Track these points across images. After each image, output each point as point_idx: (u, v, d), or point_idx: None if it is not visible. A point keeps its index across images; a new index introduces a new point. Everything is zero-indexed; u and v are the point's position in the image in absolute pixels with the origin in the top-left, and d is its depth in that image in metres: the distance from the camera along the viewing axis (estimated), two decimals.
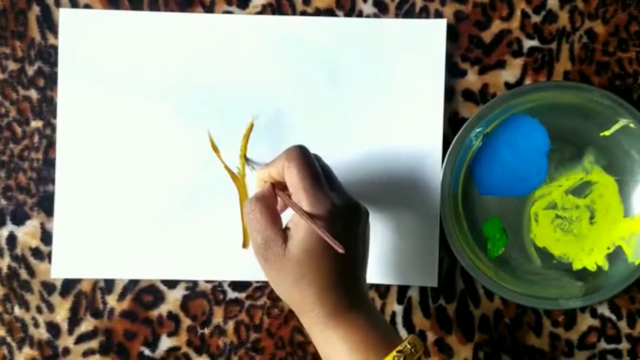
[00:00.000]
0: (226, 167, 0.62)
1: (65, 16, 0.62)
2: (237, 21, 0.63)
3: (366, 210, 0.55)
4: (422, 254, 0.63)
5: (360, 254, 0.54)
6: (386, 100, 0.63)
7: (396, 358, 0.50)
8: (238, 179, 0.62)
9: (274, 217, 0.53)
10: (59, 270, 0.62)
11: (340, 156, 0.62)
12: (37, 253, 0.63)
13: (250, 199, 0.54)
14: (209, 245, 0.62)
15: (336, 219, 0.52)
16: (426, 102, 0.63)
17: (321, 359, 0.53)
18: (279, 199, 0.55)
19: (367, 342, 0.51)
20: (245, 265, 0.62)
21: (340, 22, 0.63)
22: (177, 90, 0.63)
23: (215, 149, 0.62)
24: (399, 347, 0.51)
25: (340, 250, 0.50)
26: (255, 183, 0.58)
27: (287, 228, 0.52)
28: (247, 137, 0.62)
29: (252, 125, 0.62)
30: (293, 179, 0.52)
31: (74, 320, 0.63)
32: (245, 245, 0.62)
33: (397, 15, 0.63)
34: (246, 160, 0.62)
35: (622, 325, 0.64)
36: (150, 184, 0.63)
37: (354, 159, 0.63)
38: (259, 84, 0.63)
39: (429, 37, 0.63)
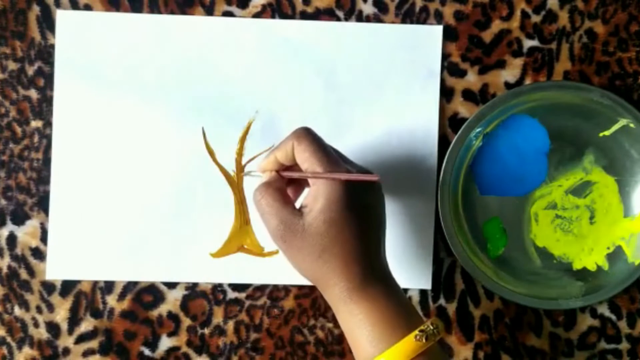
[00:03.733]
0: (222, 169, 0.62)
1: (62, 17, 0.62)
2: (235, 24, 0.63)
3: (379, 183, 0.55)
4: (417, 256, 0.63)
5: (380, 224, 0.54)
6: (383, 104, 0.63)
7: (418, 337, 0.50)
8: (234, 181, 0.61)
9: (286, 199, 0.53)
10: (54, 271, 0.62)
11: None
12: (37, 253, 0.63)
13: (258, 186, 0.53)
14: (206, 247, 0.62)
15: (353, 189, 0.51)
16: (422, 106, 0.63)
17: (344, 334, 0.53)
18: (289, 187, 0.55)
19: (390, 318, 0.51)
20: (243, 268, 0.62)
21: (338, 26, 0.63)
22: (174, 93, 0.63)
23: (210, 151, 0.62)
24: (422, 327, 0.50)
25: (376, 178, 0.50)
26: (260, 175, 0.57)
27: (302, 206, 0.52)
28: (243, 140, 0.62)
29: (248, 128, 0.62)
30: (305, 154, 0.52)
31: (74, 320, 0.63)
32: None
33: (397, 16, 0.63)
34: (242, 169, 0.61)
35: (622, 325, 0.64)
36: (146, 185, 0.63)
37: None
38: (256, 87, 0.63)
39: (426, 42, 0.63)
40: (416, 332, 0.50)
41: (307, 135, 0.52)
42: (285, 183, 0.55)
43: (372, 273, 0.52)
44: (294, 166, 0.54)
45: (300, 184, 0.58)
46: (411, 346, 0.50)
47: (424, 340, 0.50)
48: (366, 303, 0.51)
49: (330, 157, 0.52)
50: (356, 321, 0.51)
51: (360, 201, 0.52)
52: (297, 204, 0.54)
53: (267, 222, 0.52)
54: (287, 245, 0.52)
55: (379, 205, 0.54)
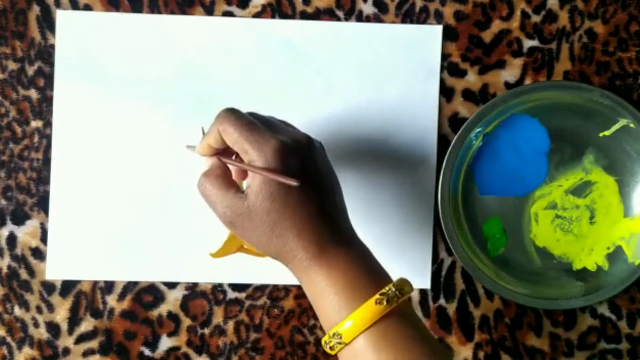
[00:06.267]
0: None
1: (62, 17, 0.62)
2: (235, 24, 0.63)
3: (320, 143, 0.54)
4: (416, 256, 0.63)
5: (327, 187, 0.52)
6: (382, 104, 0.63)
7: (378, 301, 0.48)
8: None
9: (227, 184, 0.51)
10: (54, 271, 0.62)
11: (336, 159, 0.62)
12: (37, 253, 0.63)
13: (200, 176, 0.52)
14: (206, 247, 0.62)
15: (288, 156, 0.50)
16: (421, 106, 0.63)
17: (311, 305, 0.52)
18: (231, 168, 0.53)
19: (353, 284, 0.49)
20: (243, 268, 0.62)
21: (338, 26, 0.63)
22: (174, 93, 0.63)
23: None
24: (383, 290, 0.49)
25: (294, 183, 0.49)
26: (200, 163, 0.56)
27: (246, 187, 0.51)
28: None
29: None
30: (231, 135, 0.50)
31: (74, 320, 0.63)
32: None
33: (397, 16, 0.63)
34: (187, 146, 0.60)
35: (622, 325, 0.64)
36: (146, 185, 0.63)
37: (349, 162, 0.63)
38: (256, 87, 0.63)
39: (426, 42, 0.63)
40: (377, 295, 0.48)
41: (229, 116, 0.51)
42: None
43: (329, 239, 0.51)
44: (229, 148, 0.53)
45: None
46: (372, 310, 0.48)
47: (384, 304, 0.48)
48: (327, 269, 0.50)
49: (255, 133, 0.50)
50: (318, 290, 0.50)
51: (299, 165, 0.50)
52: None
53: (214, 210, 0.52)
54: (238, 228, 0.51)
55: (322, 165, 0.53)
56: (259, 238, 0.51)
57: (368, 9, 0.63)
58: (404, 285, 0.50)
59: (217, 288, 0.63)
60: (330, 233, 0.51)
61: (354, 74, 0.63)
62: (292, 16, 0.63)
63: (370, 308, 0.48)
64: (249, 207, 0.50)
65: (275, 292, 0.63)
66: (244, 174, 0.54)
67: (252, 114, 0.53)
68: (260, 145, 0.50)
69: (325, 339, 0.50)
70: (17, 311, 0.63)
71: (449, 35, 0.63)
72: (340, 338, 0.49)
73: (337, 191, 0.53)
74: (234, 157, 0.54)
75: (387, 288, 0.49)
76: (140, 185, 0.63)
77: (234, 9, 0.63)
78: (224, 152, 0.53)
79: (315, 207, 0.51)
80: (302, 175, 0.50)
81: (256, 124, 0.51)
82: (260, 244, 0.52)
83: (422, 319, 0.63)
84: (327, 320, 0.50)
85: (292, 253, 0.51)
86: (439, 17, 0.63)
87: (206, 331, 0.63)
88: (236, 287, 0.63)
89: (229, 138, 0.51)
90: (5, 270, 0.63)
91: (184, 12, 0.63)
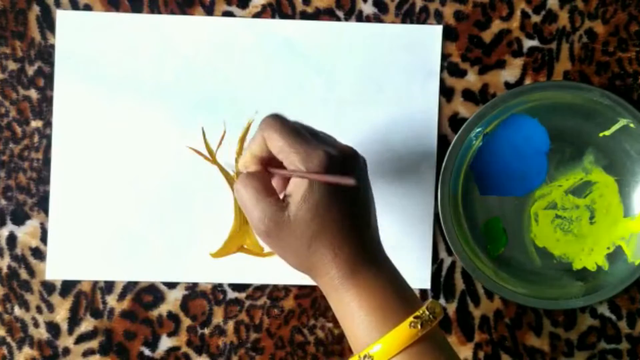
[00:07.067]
0: (221, 169, 0.62)
1: (62, 17, 0.62)
2: (235, 24, 0.63)
3: (364, 159, 0.53)
4: (416, 256, 0.63)
5: (367, 203, 0.51)
6: (382, 104, 0.63)
7: (412, 324, 0.47)
8: (233, 181, 0.61)
9: (267, 190, 0.50)
10: (54, 271, 0.62)
11: None
12: (37, 253, 0.63)
13: (240, 177, 0.51)
14: (206, 247, 0.62)
15: (334, 167, 0.49)
16: (422, 105, 0.63)
17: (343, 333, 0.51)
18: (275, 177, 0.52)
19: (384, 305, 0.48)
20: (243, 268, 0.62)
21: (338, 26, 0.63)
22: (174, 93, 0.63)
23: (210, 151, 0.62)
24: (417, 313, 0.48)
25: (351, 182, 0.47)
26: (235, 151, 0.55)
27: (285, 196, 0.49)
28: (243, 140, 0.62)
29: (248, 128, 0.62)
30: (277, 143, 0.49)
31: (74, 320, 0.63)
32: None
33: (397, 16, 0.63)
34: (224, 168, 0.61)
35: (622, 325, 0.64)
36: (146, 185, 0.63)
37: None
38: (256, 87, 0.63)
39: (425, 42, 0.63)
40: (411, 318, 0.48)
41: (275, 124, 0.49)
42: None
43: (363, 258, 0.50)
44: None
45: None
46: (405, 334, 0.47)
47: (419, 327, 0.48)
48: (358, 290, 0.49)
49: (302, 142, 0.49)
50: (349, 309, 0.49)
51: (344, 185, 0.49)
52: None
53: (249, 215, 0.50)
54: (273, 239, 0.50)
55: (364, 187, 0.52)
56: (295, 251, 0.50)
57: (368, 9, 0.63)
58: (435, 307, 0.49)
59: (217, 288, 0.63)
60: (365, 252, 0.50)
61: (354, 74, 0.63)
62: (292, 16, 0.63)
63: (404, 331, 0.48)
64: (289, 216, 0.49)
65: (275, 292, 0.63)
66: (284, 185, 0.52)
67: (296, 123, 0.52)
68: (307, 155, 0.49)
69: (354, 359, 0.49)
70: (17, 311, 0.63)
71: (449, 35, 0.63)
72: None
73: (373, 208, 0.52)
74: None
75: (420, 311, 0.48)
76: (140, 185, 0.63)
77: (234, 9, 0.63)
78: (268, 162, 0.52)
79: (354, 223, 0.50)
80: (343, 191, 0.49)
81: (302, 133, 0.50)
82: (293, 257, 0.51)
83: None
84: (356, 340, 0.49)
85: (325, 270, 0.50)
86: (439, 17, 0.63)
87: (206, 331, 0.63)
88: (236, 287, 0.63)
89: (273, 145, 0.49)
90: (5, 270, 0.63)
91: (184, 12, 0.63)
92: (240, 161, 0.53)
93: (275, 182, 0.53)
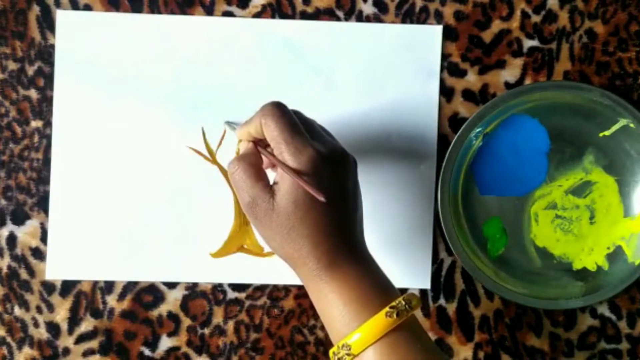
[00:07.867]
0: (221, 169, 0.62)
1: (62, 17, 0.62)
2: (235, 24, 0.63)
3: (354, 159, 0.54)
4: (416, 256, 0.63)
5: (351, 204, 0.52)
6: (382, 104, 0.63)
7: (389, 314, 0.49)
8: None
9: (258, 174, 0.51)
10: (54, 271, 0.62)
11: None
12: (37, 253, 0.63)
13: (233, 159, 0.53)
14: (206, 247, 0.62)
15: (321, 168, 0.50)
16: (421, 105, 0.63)
17: (318, 315, 0.52)
18: (263, 157, 0.54)
19: (362, 296, 0.50)
20: (243, 268, 0.62)
21: (338, 26, 0.63)
22: (174, 92, 0.63)
23: (210, 151, 0.62)
24: (393, 303, 0.49)
25: (321, 199, 0.49)
26: (236, 144, 0.56)
27: (274, 183, 0.51)
28: None
29: None
30: (271, 132, 0.51)
31: (74, 320, 0.63)
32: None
33: (397, 16, 0.63)
34: (227, 122, 0.61)
35: (622, 325, 0.64)
36: (146, 185, 0.63)
37: None
38: (256, 87, 0.63)
39: (425, 42, 0.63)
40: (387, 308, 0.49)
41: (274, 111, 0.51)
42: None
43: (343, 252, 0.51)
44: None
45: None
46: (382, 323, 0.49)
47: (394, 317, 0.49)
48: (337, 282, 0.50)
49: (295, 138, 0.50)
50: (327, 300, 0.50)
51: (329, 178, 0.51)
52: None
53: (240, 196, 0.52)
54: (257, 221, 0.51)
55: (351, 181, 0.53)
56: (273, 237, 0.51)
57: (368, 9, 0.63)
58: (412, 298, 0.50)
59: (217, 288, 0.63)
60: (345, 249, 0.51)
61: (354, 74, 0.63)
62: (292, 16, 0.63)
63: (381, 321, 0.49)
64: (273, 205, 0.50)
65: (275, 292, 0.63)
66: (273, 165, 0.54)
67: (296, 113, 0.53)
68: (297, 151, 0.50)
69: (333, 350, 0.50)
70: (17, 311, 0.63)
71: (449, 35, 0.63)
72: (349, 350, 0.49)
73: (359, 208, 0.54)
74: (270, 148, 0.53)
75: (397, 301, 0.50)
76: (140, 185, 0.63)
77: (234, 9, 0.63)
78: (261, 141, 0.53)
79: (336, 222, 0.51)
80: (330, 188, 0.50)
81: (298, 127, 0.51)
82: (274, 244, 0.52)
83: (422, 319, 0.63)
84: (335, 331, 0.50)
85: (303, 260, 0.51)
86: (439, 17, 0.63)
87: (206, 331, 0.63)
88: (236, 287, 0.63)
89: (268, 133, 0.51)
90: (5, 270, 0.63)
91: (184, 12, 0.63)
92: (238, 133, 0.54)
93: (265, 162, 0.54)
